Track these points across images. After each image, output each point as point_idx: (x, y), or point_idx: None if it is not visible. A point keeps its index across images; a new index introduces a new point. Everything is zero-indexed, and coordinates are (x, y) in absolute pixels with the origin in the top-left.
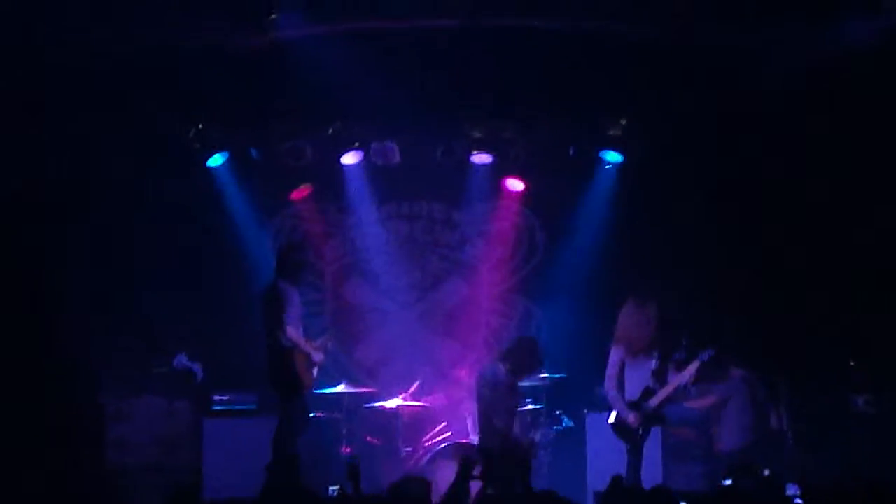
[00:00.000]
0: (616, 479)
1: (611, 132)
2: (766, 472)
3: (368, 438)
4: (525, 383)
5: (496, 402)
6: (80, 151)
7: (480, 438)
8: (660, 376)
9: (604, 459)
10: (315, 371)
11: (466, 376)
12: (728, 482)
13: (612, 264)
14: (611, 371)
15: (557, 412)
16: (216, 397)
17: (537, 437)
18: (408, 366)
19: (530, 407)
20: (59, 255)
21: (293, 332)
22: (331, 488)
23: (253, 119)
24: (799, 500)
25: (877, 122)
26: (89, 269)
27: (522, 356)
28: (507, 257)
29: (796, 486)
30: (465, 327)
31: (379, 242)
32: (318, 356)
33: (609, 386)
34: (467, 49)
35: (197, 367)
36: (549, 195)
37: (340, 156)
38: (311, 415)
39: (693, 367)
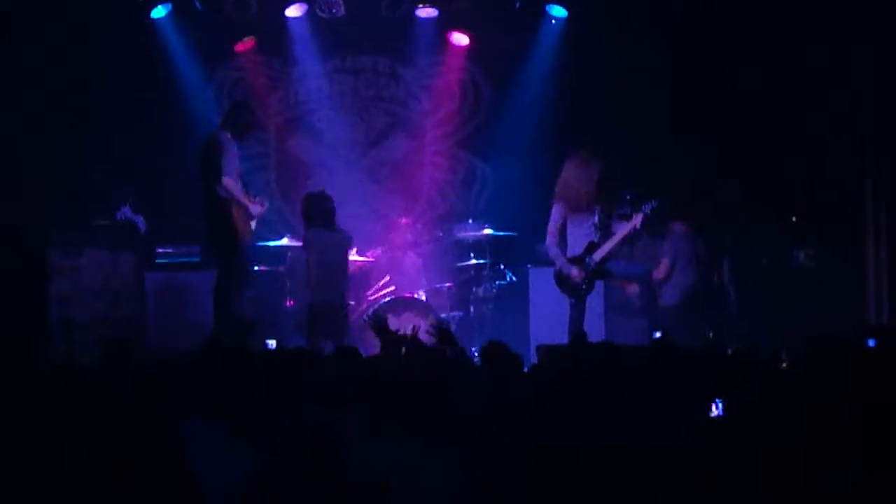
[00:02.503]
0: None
1: None
2: (711, 335)
3: None
4: (469, 238)
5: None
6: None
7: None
8: (603, 231)
9: (546, 313)
10: (253, 224)
11: (411, 229)
12: (658, 335)
13: (557, 120)
14: (552, 227)
15: (501, 267)
16: (160, 250)
17: (480, 291)
18: (352, 220)
19: (473, 262)
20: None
21: (230, 182)
22: (268, 341)
23: None
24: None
25: None
26: (31, 123)
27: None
28: (452, 112)
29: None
30: (409, 182)
31: (323, 96)
32: (255, 209)
33: (550, 242)
34: None
35: (140, 220)
36: (494, 50)
37: (285, 8)
38: (255, 268)
39: (636, 220)
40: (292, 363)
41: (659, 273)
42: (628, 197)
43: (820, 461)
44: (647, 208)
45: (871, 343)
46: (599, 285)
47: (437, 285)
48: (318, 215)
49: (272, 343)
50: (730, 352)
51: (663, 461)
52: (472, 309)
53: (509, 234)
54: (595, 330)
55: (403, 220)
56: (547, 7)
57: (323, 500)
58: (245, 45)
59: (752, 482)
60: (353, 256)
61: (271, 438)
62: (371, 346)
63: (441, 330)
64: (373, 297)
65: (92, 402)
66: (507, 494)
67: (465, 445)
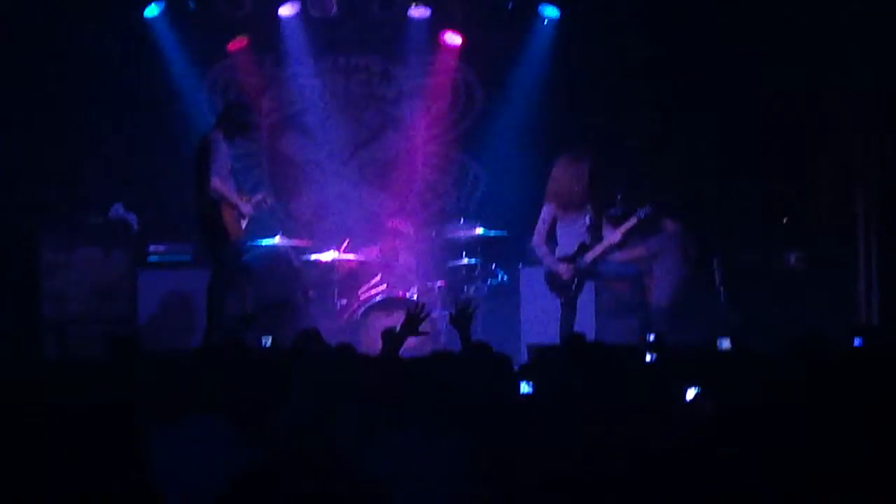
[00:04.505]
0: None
1: None
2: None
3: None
4: (460, 237)
5: None
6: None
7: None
8: (594, 232)
9: (538, 313)
10: (244, 223)
11: (403, 228)
12: (652, 337)
13: (550, 119)
14: (540, 227)
15: (492, 266)
16: (152, 247)
17: (472, 290)
18: (343, 219)
19: (465, 261)
20: None
21: (218, 182)
22: (263, 338)
23: None
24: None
25: None
26: (24, 121)
27: None
28: (444, 112)
29: (728, 341)
30: (400, 182)
31: (315, 96)
32: (246, 208)
33: (538, 242)
34: None
35: (132, 218)
36: (487, 50)
37: (278, 7)
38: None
39: (629, 224)
40: (288, 360)
41: (629, 254)
42: (619, 197)
43: (818, 457)
44: (641, 214)
45: (858, 343)
46: (589, 287)
47: (429, 284)
48: None
49: (268, 340)
50: (723, 349)
51: (659, 458)
52: None
53: (501, 233)
54: (585, 331)
55: (395, 220)
56: (539, 7)
57: (318, 496)
58: (237, 44)
59: (750, 479)
60: (345, 255)
61: (267, 435)
62: (364, 344)
63: (410, 318)
64: (364, 296)
65: (95, 401)
66: (506, 485)
67: (463, 437)
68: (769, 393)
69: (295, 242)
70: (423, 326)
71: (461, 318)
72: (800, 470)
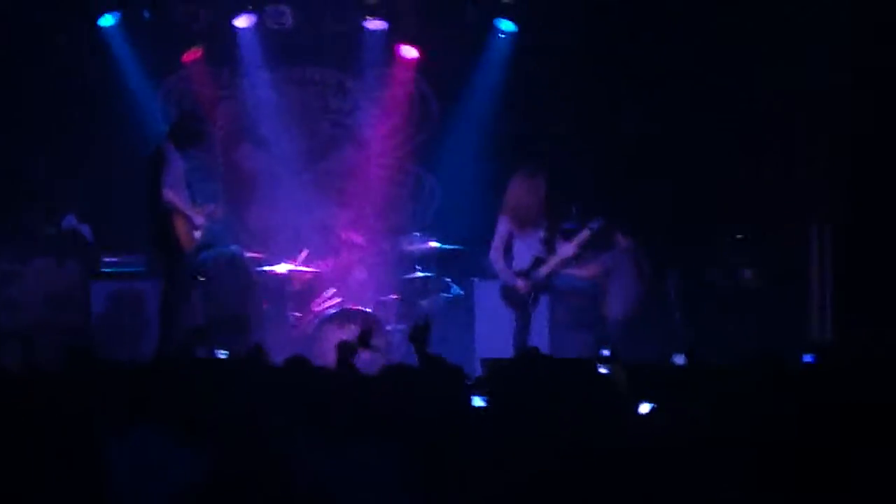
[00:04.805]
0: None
1: (505, 0)
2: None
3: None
4: (415, 250)
5: None
6: None
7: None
8: (549, 246)
9: (492, 327)
10: (197, 234)
11: (358, 241)
12: (606, 352)
13: (506, 133)
14: (497, 242)
15: (447, 280)
16: (105, 259)
17: (426, 304)
18: (299, 232)
19: (419, 274)
20: None
21: (170, 194)
22: (218, 352)
23: None
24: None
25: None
26: None
27: None
28: (400, 125)
29: (683, 357)
30: (355, 194)
31: (270, 107)
32: (199, 219)
33: (495, 257)
34: None
35: (86, 229)
36: (443, 63)
37: (233, 18)
38: (202, 278)
39: (582, 236)
40: (241, 371)
41: (584, 271)
42: (575, 211)
43: (773, 471)
44: (594, 226)
45: (809, 359)
46: (544, 301)
47: (383, 298)
48: None
49: (223, 354)
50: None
51: (613, 471)
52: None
53: (456, 247)
54: (540, 345)
55: (350, 232)
56: (496, 21)
57: None
58: (192, 54)
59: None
60: (300, 268)
61: (218, 447)
62: (318, 357)
63: (363, 332)
64: (318, 309)
65: (50, 411)
66: (459, 497)
67: (417, 449)
68: (723, 408)
69: (249, 254)
70: (377, 341)
71: (418, 334)
72: (756, 484)
